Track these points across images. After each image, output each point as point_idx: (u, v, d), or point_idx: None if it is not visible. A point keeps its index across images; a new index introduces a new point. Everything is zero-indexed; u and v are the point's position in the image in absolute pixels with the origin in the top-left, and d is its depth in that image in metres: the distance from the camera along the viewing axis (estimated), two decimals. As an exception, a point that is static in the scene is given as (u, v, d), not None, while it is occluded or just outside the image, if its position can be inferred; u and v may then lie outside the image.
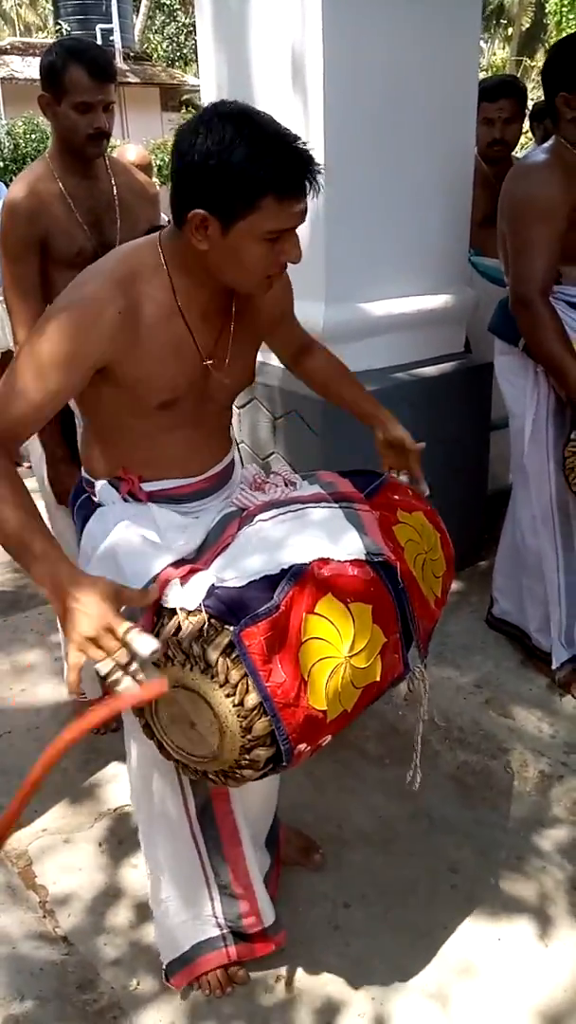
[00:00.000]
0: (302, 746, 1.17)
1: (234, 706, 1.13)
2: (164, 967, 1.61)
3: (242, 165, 1.10)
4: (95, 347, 1.19)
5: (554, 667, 2.40)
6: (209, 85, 2.73)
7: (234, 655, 1.13)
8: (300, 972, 1.62)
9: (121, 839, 1.96)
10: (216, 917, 1.57)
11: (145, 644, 1.07)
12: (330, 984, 1.60)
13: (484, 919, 1.72)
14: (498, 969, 1.62)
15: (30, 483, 2.63)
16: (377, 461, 1.64)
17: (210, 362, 1.31)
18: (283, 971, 1.62)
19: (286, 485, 1.42)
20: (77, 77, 1.82)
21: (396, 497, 1.44)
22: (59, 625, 2.32)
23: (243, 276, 1.22)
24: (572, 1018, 1.52)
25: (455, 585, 2.69)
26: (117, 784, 2.13)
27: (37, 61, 2.05)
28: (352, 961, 1.64)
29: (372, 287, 2.56)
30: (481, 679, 2.46)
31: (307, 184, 1.15)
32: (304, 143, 1.15)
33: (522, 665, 2.51)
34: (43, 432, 1.96)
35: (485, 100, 2.88)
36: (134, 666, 1.07)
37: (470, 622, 2.71)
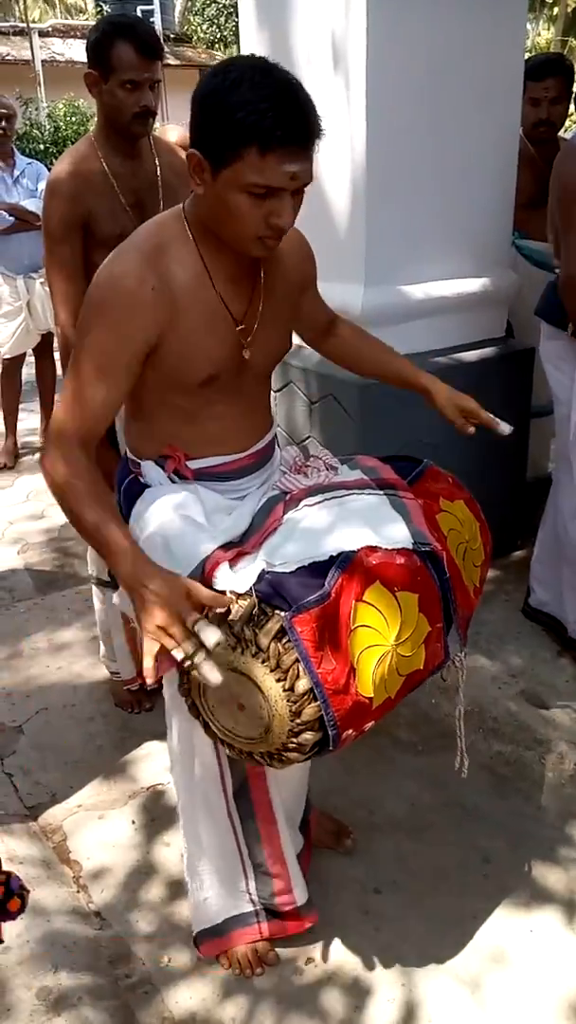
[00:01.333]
0: (349, 732, 1.17)
1: (284, 691, 1.14)
2: (194, 935, 1.62)
3: (233, 108, 1.07)
4: (141, 329, 1.20)
5: None
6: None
7: (285, 640, 1.14)
8: (330, 955, 1.62)
9: (154, 817, 1.98)
10: (250, 893, 1.59)
11: (210, 635, 1.10)
12: (360, 968, 1.60)
13: (516, 909, 1.71)
14: (530, 960, 1.61)
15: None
16: (412, 446, 1.63)
17: (242, 327, 1.30)
18: (313, 953, 1.63)
19: (328, 469, 1.42)
20: (125, 54, 1.81)
21: (437, 485, 1.43)
22: (103, 613, 2.35)
23: (231, 229, 1.18)
24: (605, 1011, 1.51)
25: (490, 573, 2.66)
26: (150, 763, 2.15)
27: (78, 43, 2.06)
28: (382, 946, 1.64)
29: (412, 269, 2.52)
30: (516, 669, 2.44)
31: (301, 145, 1.11)
32: (312, 105, 1.11)
33: (558, 656, 2.48)
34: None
35: (530, 79, 2.81)
36: (200, 655, 1.10)
37: (505, 611, 2.69)
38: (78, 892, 1.79)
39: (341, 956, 1.62)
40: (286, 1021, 1.51)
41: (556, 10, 16.75)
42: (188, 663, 1.10)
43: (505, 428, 1.47)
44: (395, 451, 1.58)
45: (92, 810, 2.01)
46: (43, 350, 4.38)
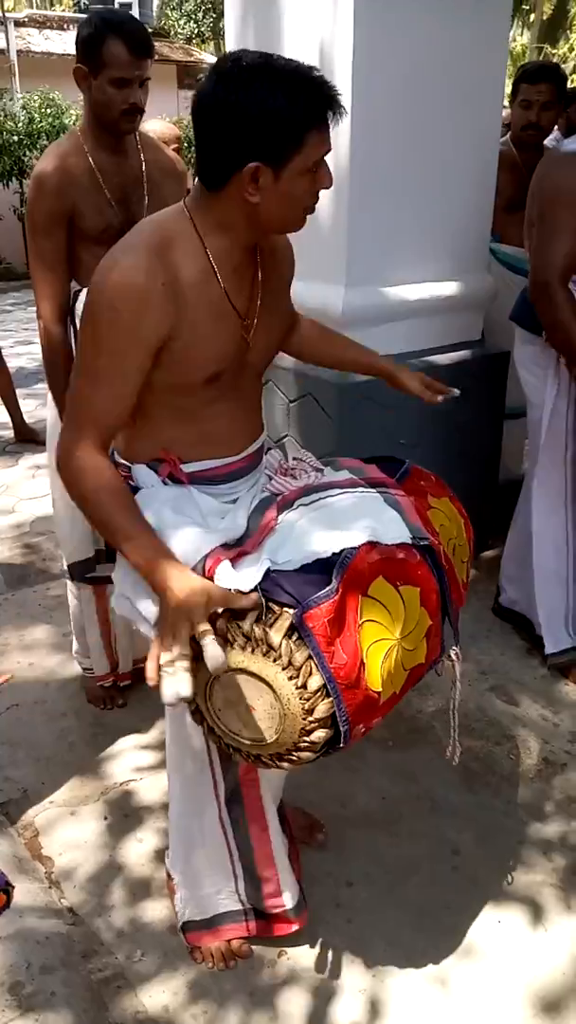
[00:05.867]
0: (359, 727, 1.18)
1: (297, 688, 1.14)
2: (181, 924, 1.63)
3: (286, 109, 1.13)
4: (154, 324, 1.19)
5: (547, 652, 2.42)
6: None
7: (296, 638, 1.14)
8: (302, 948, 1.64)
9: (127, 813, 1.98)
10: (239, 894, 1.60)
11: (215, 657, 1.12)
12: (331, 961, 1.62)
13: (485, 901, 1.74)
14: (498, 951, 1.64)
15: (43, 457, 2.64)
16: (389, 446, 1.66)
17: (246, 321, 1.31)
18: (286, 946, 1.64)
19: (314, 471, 1.43)
20: (116, 51, 1.79)
21: (423, 483, 1.45)
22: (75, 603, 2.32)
23: (292, 216, 1.24)
24: (570, 1001, 1.54)
25: (463, 573, 2.70)
26: (123, 760, 2.15)
27: (54, 34, 2.05)
28: (354, 939, 1.66)
29: (392, 271, 2.55)
30: (487, 666, 2.48)
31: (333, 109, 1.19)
32: (319, 72, 1.18)
33: (528, 654, 2.53)
34: (63, 405, 1.97)
35: (525, 82, 2.89)
36: (185, 663, 1.12)
37: (476, 610, 2.72)
38: (50, 888, 1.79)
39: (314, 949, 1.64)
40: (258, 1014, 1.52)
41: (532, 16, 16.93)
42: (173, 668, 1.12)
43: (455, 391, 1.60)
44: (372, 451, 1.61)
45: (64, 806, 2.00)
46: None
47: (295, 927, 1.62)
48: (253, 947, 1.63)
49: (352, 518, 1.28)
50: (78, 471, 1.21)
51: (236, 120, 1.13)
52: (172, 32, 17.26)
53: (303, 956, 1.63)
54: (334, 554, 1.21)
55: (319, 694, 1.14)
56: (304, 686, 1.14)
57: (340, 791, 2.01)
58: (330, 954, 1.63)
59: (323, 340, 1.66)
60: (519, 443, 3.23)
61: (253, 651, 1.15)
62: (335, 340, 1.67)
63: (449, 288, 2.69)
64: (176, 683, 1.11)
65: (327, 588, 1.16)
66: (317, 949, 1.64)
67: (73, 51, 1.88)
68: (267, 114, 1.12)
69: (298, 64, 1.17)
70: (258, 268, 1.33)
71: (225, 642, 1.17)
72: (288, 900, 1.60)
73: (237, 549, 1.25)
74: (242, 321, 1.30)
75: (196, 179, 1.24)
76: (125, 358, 1.20)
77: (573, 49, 17.12)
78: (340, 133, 2.32)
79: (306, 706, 1.14)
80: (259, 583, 1.17)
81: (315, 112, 1.15)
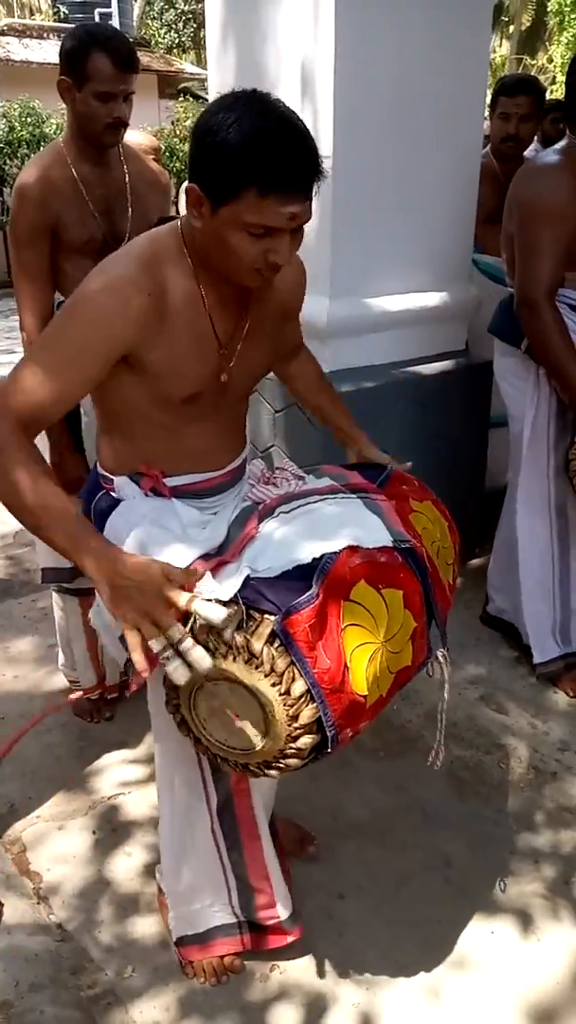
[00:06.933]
0: (346, 731, 1.18)
1: (280, 695, 1.14)
2: (175, 939, 1.62)
3: (232, 149, 1.07)
4: (124, 330, 1.18)
5: (536, 661, 2.43)
6: (217, 77, 2.72)
7: (278, 644, 1.14)
8: (294, 962, 1.63)
9: (115, 827, 1.96)
10: (232, 907, 1.59)
11: (215, 611, 1.07)
12: (324, 974, 1.61)
13: (477, 912, 1.74)
14: (491, 962, 1.64)
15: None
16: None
17: (224, 350, 1.30)
18: (278, 960, 1.63)
19: (295, 479, 1.43)
20: (101, 65, 1.79)
21: (404, 487, 1.46)
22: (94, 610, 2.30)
23: (228, 263, 1.18)
24: (564, 1011, 1.54)
25: (449, 582, 2.71)
26: (110, 773, 2.13)
27: (35, 43, 2.04)
28: (346, 952, 1.65)
29: (376, 283, 2.56)
30: (476, 675, 2.48)
31: (301, 187, 1.11)
32: (311, 145, 1.11)
33: (517, 662, 2.53)
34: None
35: (504, 95, 2.94)
36: (187, 643, 1.07)
37: (464, 618, 2.73)
38: (38, 904, 1.77)
39: (306, 963, 1.63)
40: (251, 1029, 1.51)
41: (512, 28, 17.15)
42: (169, 653, 1.06)
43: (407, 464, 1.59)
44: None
45: (51, 821, 1.98)
46: None
47: (290, 938, 1.61)
48: (245, 962, 1.62)
49: (333, 524, 1.28)
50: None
51: (196, 137, 1.12)
52: (153, 42, 17.31)
53: (295, 970, 1.62)
54: (315, 560, 1.21)
55: (303, 700, 1.14)
56: (288, 692, 1.14)
57: (330, 802, 2.01)
58: (323, 968, 1.62)
59: (314, 385, 1.69)
60: (504, 452, 3.25)
61: (235, 659, 1.15)
62: (324, 391, 1.69)
63: (433, 299, 2.70)
64: (198, 658, 1.08)
65: (308, 593, 1.16)
66: (309, 963, 1.63)
67: (52, 60, 1.88)
68: (215, 145, 1.08)
69: (290, 121, 1.10)
70: (250, 302, 1.32)
71: (207, 652, 1.17)
72: (282, 911, 1.60)
73: (217, 559, 1.25)
74: (220, 349, 1.29)
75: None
76: (85, 354, 1.17)
77: (551, 60, 17.35)
78: (322, 145, 2.32)
79: (291, 712, 1.15)
80: (239, 591, 1.17)
81: (260, 173, 1.07)
